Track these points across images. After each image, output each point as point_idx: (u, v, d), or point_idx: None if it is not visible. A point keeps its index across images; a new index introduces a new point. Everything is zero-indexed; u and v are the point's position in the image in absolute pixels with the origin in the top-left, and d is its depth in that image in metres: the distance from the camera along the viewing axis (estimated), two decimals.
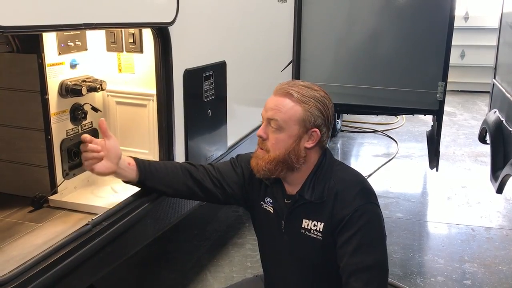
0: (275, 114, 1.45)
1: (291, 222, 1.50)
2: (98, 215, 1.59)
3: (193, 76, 2.11)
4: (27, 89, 1.81)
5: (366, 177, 1.64)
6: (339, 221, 1.40)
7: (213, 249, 2.98)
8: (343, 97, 3.41)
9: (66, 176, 1.91)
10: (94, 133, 2.05)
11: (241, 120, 2.82)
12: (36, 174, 1.88)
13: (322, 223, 1.44)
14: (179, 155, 2.07)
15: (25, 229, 1.66)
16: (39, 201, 1.81)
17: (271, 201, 1.56)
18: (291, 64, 3.45)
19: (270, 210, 1.56)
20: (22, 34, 1.74)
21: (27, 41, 1.77)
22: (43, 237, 1.61)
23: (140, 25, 1.78)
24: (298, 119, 1.43)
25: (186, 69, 2.05)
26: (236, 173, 1.67)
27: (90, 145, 1.48)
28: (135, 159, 1.65)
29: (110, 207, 1.68)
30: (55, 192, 1.87)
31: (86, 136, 1.49)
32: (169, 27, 1.85)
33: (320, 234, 1.44)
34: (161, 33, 1.85)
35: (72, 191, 1.92)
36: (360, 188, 1.44)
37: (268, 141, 1.48)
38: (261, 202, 1.59)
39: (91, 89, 1.90)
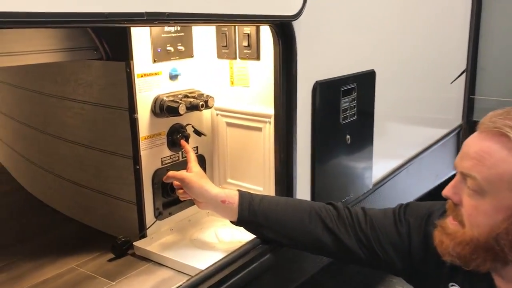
0: (473, 167, 0.88)
1: None
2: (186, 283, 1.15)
3: (326, 91, 1.56)
4: (114, 105, 1.44)
5: None
6: None
7: None
8: None
9: (158, 216, 1.51)
10: (201, 160, 1.63)
11: (394, 147, 2.17)
12: (124, 211, 1.51)
13: None
14: (302, 196, 1.53)
15: None
16: (121, 248, 1.43)
17: None
18: (463, 74, 2.68)
19: None
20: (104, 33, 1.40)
21: (118, 45, 1.41)
22: None
23: (253, 19, 1.29)
24: None
25: (316, 82, 1.51)
26: (398, 233, 1.13)
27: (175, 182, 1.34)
28: (241, 194, 1.28)
29: (205, 268, 1.23)
30: (144, 236, 1.47)
31: (169, 176, 1.35)
32: (292, 22, 1.33)
33: None
34: (282, 30, 1.34)
35: (166, 234, 1.50)
36: None
37: (462, 207, 0.91)
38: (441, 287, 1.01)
39: (192, 107, 1.47)
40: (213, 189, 1.29)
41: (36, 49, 1.33)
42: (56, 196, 1.82)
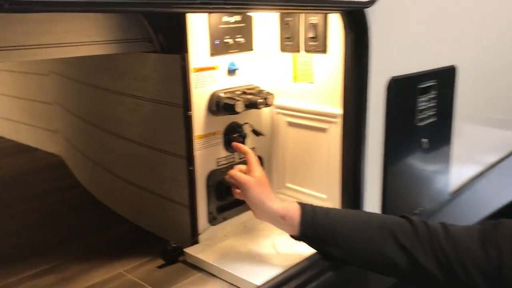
0: None
1: None
2: None
3: (402, 88, 1.39)
4: (168, 101, 1.35)
5: None
6: None
7: None
8: None
9: (212, 220, 1.40)
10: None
11: (473, 152, 1.94)
12: (177, 214, 1.42)
13: None
14: (371, 206, 1.37)
15: None
16: (171, 254, 1.33)
17: None
18: None
19: None
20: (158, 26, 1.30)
21: (173, 37, 1.31)
22: None
23: (321, 6, 1.14)
24: None
25: (391, 77, 1.34)
26: (487, 256, 0.98)
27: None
28: (302, 208, 1.14)
29: (261, 284, 1.11)
30: (196, 242, 1.37)
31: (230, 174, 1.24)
32: (366, 10, 1.17)
33: None
34: (354, 19, 1.19)
35: (219, 241, 1.39)
36: None
37: None
38: None
39: (251, 105, 1.34)
40: (273, 204, 1.15)
41: (88, 40, 1.26)
42: (110, 194, 1.77)
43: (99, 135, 1.74)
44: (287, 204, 1.17)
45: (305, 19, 1.37)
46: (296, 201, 1.18)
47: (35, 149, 2.62)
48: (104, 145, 1.73)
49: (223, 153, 1.40)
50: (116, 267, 1.32)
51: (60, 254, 1.41)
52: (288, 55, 1.44)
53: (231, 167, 1.40)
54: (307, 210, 1.14)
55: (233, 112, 1.32)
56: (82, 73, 1.81)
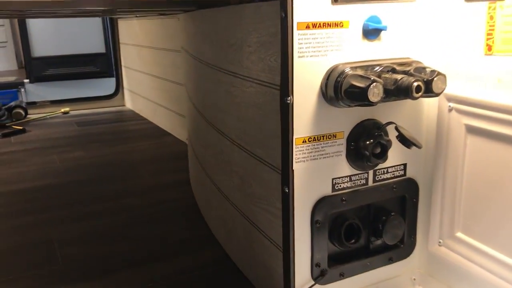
0: None
1: None
2: None
3: None
4: (261, 79, 0.85)
5: None
6: None
7: None
8: None
9: (319, 277, 0.87)
10: (410, 187, 0.92)
11: None
12: (267, 255, 0.92)
13: None
14: None
15: None
16: None
17: None
18: None
19: None
20: None
21: None
22: None
23: None
24: None
25: None
26: None
27: None
28: None
29: None
30: None
31: None
32: None
33: None
34: None
35: None
36: None
37: None
38: None
39: (400, 91, 0.76)
40: None
41: None
42: (207, 206, 1.36)
43: (202, 125, 1.34)
44: None
45: None
46: None
47: (168, 134, 2.38)
48: (204, 139, 1.32)
49: (345, 169, 0.85)
50: None
51: (146, 272, 1.06)
52: (478, 7, 0.80)
53: (359, 193, 0.85)
54: None
55: (366, 103, 0.75)
56: (193, 45, 1.42)
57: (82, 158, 1.99)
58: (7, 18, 3.81)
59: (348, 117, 0.83)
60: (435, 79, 0.77)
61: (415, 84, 0.75)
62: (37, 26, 4.68)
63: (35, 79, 4.83)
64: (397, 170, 0.90)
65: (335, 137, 0.83)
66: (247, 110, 0.95)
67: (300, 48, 0.76)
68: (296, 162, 0.80)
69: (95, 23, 4.10)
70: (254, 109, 0.91)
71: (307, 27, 0.76)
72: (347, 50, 0.80)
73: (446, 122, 0.87)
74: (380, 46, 0.82)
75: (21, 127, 2.55)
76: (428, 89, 0.77)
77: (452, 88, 0.84)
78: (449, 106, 0.86)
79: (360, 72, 0.78)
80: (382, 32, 0.82)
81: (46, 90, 4.67)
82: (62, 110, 3.03)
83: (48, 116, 2.93)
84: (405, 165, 0.91)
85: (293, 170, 0.80)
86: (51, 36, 4.71)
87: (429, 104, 0.89)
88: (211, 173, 1.24)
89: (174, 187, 1.63)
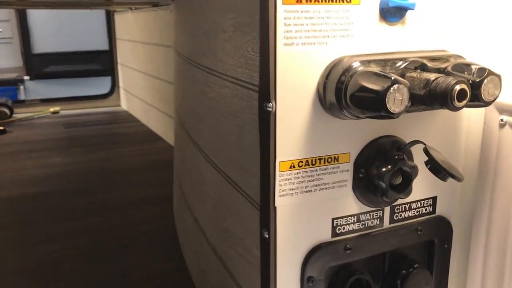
0: None
1: None
2: None
3: None
4: (236, 77, 0.62)
5: None
6: None
7: None
8: None
9: None
10: (440, 225, 0.67)
11: None
12: None
13: None
14: None
15: None
16: None
17: None
18: None
19: None
20: None
21: None
22: None
23: None
24: None
25: None
26: None
27: None
28: None
29: None
30: None
31: None
32: None
33: None
34: None
35: None
36: None
37: None
38: None
39: (433, 97, 0.51)
40: None
41: None
42: (184, 232, 1.12)
43: (180, 133, 1.11)
44: None
45: None
46: None
47: (159, 139, 2.15)
48: (182, 150, 1.09)
49: (352, 206, 0.61)
50: None
51: None
52: None
53: (370, 239, 0.61)
54: None
55: (384, 113, 0.51)
56: (175, 37, 1.19)
57: (57, 165, 1.77)
58: (5, 7, 3.64)
59: (356, 133, 0.58)
60: (485, 81, 0.53)
61: (458, 87, 0.50)
62: (38, 21, 4.49)
63: (35, 76, 4.65)
64: (424, 206, 0.66)
65: (338, 160, 0.58)
66: (221, 118, 0.71)
67: (288, 32, 0.52)
68: (281, 195, 0.56)
69: (99, 18, 3.90)
70: (230, 117, 0.67)
71: (298, 1, 0.52)
72: (356, 37, 0.55)
73: (496, 141, 0.62)
74: (405, 32, 0.58)
75: (1, 128, 2.34)
76: (474, 96, 0.53)
77: (506, 95, 0.59)
78: (501, 120, 0.61)
79: (375, 68, 0.54)
80: (408, 12, 0.57)
81: (47, 87, 4.48)
82: (51, 109, 2.82)
83: (35, 116, 2.72)
84: (434, 199, 0.66)
85: (275, 208, 0.56)
86: (52, 32, 4.52)
87: (471, 117, 0.64)
88: (186, 193, 1.01)
89: (153, 205, 1.40)
